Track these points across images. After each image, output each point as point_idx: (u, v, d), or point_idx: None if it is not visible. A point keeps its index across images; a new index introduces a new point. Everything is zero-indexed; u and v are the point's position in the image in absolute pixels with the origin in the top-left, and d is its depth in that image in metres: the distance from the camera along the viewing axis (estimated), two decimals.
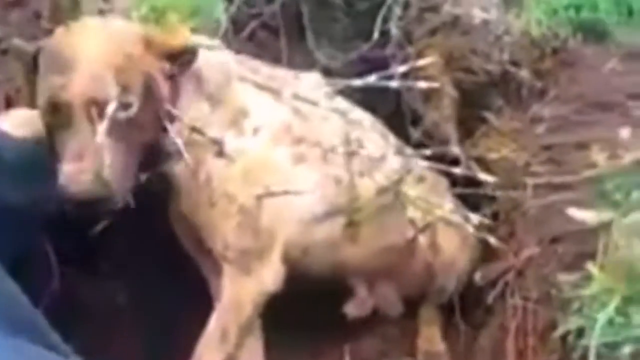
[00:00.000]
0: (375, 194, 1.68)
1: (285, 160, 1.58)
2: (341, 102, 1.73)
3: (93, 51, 1.37)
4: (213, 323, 1.55)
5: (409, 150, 1.81)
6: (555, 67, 1.90)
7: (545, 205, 1.57)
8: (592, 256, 1.41)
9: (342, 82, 1.69)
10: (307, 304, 1.69)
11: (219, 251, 1.55)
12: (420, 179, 1.81)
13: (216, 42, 1.62)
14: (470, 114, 1.90)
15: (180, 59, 1.45)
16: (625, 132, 1.70)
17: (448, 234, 1.82)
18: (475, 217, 1.69)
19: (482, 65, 1.91)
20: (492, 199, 1.72)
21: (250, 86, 1.58)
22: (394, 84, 1.63)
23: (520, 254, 1.55)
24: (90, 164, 1.32)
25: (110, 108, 1.34)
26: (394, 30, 2.05)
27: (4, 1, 1.84)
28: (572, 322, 1.34)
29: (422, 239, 1.77)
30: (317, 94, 1.66)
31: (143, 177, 1.45)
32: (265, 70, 1.66)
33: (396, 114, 2.00)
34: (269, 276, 1.57)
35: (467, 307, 1.79)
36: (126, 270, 1.75)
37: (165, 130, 1.45)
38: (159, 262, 1.71)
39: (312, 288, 1.68)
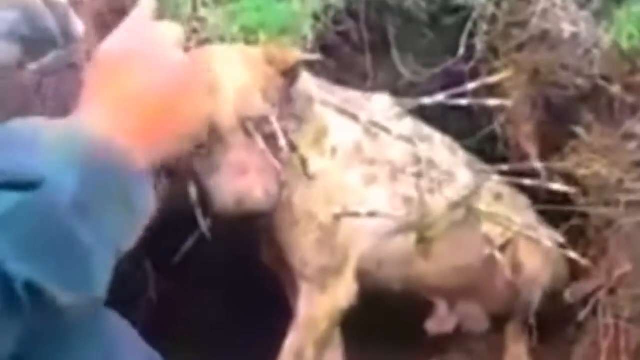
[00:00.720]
0: (446, 210, 1.69)
1: (357, 180, 1.61)
2: (410, 122, 1.73)
3: (235, 72, 1.43)
4: (289, 341, 1.57)
5: (481, 166, 1.80)
6: None
7: (638, 223, 1.54)
8: None
9: (411, 103, 1.69)
10: (393, 320, 1.70)
11: (297, 268, 1.58)
12: (498, 197, 1.80)
13: (317, 55, 1.65)
14: (560, 130, 1.87)
15: (291, 76, 1.49)
16: None
17: (530, 251, 1.80)
18: (553, 234, 1.69)
19: (572, 80, 1.88)
20: (583, 216, 1.69)
21: (329, 109, 1.61)
22: (463, 101, 1.62)
23: (613, 272, 1.52)
24: (259, 178, 1.38)
25: (274, 121, 1.40)
26: (480, 45, 2.04)
27: (99, 21, 1.90)
28: None
29: (502, 257, 1.74)
30: (388, 115, 1.68)
31: None
32: (340, 93, 1.68)
33: (474, 130, 2.00)
34: (343, 292, 1.59)
35: (559, 325, 1.76)
36: (216, 283, 1.78)
37: None
38: (248, 276, 1.73)
39: (395, 304, 1.69)
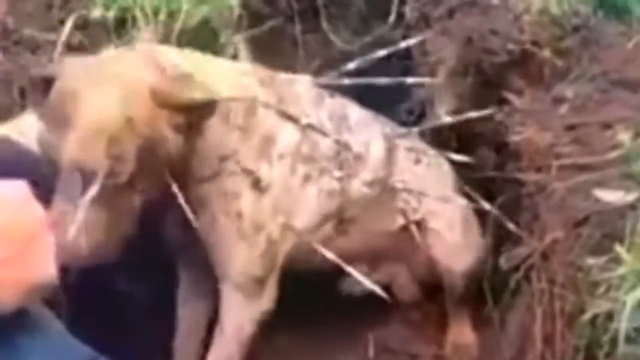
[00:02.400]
0: (362, 191, 1.66)
1: (298, 183, 1.56)
2: (330, 102, 1.67)
3: (91, 114, 1.25)
4: (218, 347, 1.57)
5: (397, 128, 1.78)
6: (577, 45, 1.86)
7: (570, 187, 1.54)
8: (618, 238, 1.38)
9: (331, 81, 1.63)
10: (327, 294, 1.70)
11: (230, 276, 1.54)
12: (417, 161, 1.79)
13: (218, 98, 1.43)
14: (491, 96, 1.87)
15: (198, 112, 1.34)
16: None
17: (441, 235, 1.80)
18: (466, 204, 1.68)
19: (502, 46, 1.87)
20: (517, 182, 1.69)
21: (272, 113, 1.51)
22: (383, 80, 1.55)
23: (545, 237, 1.52)
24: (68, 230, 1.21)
25: (97, 182, 1.23)
26: (410, 12, 2.03)
27: None
28: (601, 306, 1.32)
29: (418, 232, 1.74)
30: (311, 97, 1.62)
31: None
32: (279, 88, 1.58)
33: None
34: (268, 298, 1.57)
35: (494, 292, 1.76)
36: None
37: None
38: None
39: (318, 275, 1.66)
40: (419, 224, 1.75)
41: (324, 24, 2.05)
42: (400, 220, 1.74)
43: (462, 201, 1.80)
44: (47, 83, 1.31)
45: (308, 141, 1.56)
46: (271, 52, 1.88)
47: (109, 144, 1.24)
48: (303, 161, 1.56)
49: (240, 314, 1.56)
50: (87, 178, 1.23)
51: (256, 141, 1.48)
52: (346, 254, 1.65)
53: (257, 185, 1.47)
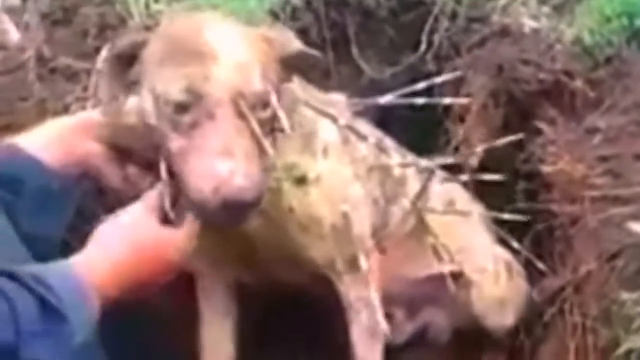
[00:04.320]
0: (400, 219, 1.62)
1: (349, 175, 1.52)
2: (364, 124, 1.64)
3: (235, 43, 1.23)
4: (359, 327, 1.52)
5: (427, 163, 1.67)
6: (609, 76, 1.85)
7: (603, 219, 1.52)
8: None
9: (363, 102, 1.61)
10: None
11: (323, 267, 1.51)
12: (450, 203, 1.74)
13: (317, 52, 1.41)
14: (523, 126, 1.86)
15: (290, 66, 1.31)
16: None
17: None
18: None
19: (534, 75, 1.86)
20: (550, 213, 1.68)
21: (311, 113, 1.47)
22: (419, 101, 1.56)
23: (579, 270, 1.50)
24: (243, 164, 1.16)
25: (273, 100, 1.21)
26: (440, 41, 2.03)
27: (49, 19, 1.86)
28: (635, 341, 1.30)
29: (454, 284, 1.66)
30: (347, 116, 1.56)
31: None
32: (317, 94, 1.57)
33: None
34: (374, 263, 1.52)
35: (527, 324, 1.73)
36: None
37: None
38: None
39: None
40: (457, 275, 1.68)
41: (355, 53, 2.06)
42: (437, 266, 1.66)
43: (501, 250, 1.76)
44: (131, 57, 1.27)
45: (349, 145, 1.53)
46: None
47: (262, 69, 1.22)
48: (350, 157, 1.51)
49: (360, 287, 1.50)
50: (241, 109, 1.19)
51: (297, 136, 1.42)
52: (384, 293, 1.63)
53: (303, 180, 1.43)
